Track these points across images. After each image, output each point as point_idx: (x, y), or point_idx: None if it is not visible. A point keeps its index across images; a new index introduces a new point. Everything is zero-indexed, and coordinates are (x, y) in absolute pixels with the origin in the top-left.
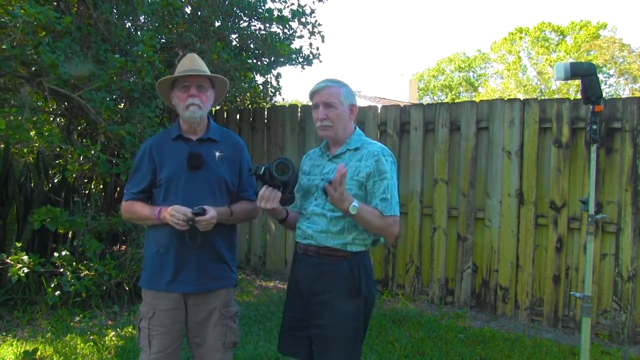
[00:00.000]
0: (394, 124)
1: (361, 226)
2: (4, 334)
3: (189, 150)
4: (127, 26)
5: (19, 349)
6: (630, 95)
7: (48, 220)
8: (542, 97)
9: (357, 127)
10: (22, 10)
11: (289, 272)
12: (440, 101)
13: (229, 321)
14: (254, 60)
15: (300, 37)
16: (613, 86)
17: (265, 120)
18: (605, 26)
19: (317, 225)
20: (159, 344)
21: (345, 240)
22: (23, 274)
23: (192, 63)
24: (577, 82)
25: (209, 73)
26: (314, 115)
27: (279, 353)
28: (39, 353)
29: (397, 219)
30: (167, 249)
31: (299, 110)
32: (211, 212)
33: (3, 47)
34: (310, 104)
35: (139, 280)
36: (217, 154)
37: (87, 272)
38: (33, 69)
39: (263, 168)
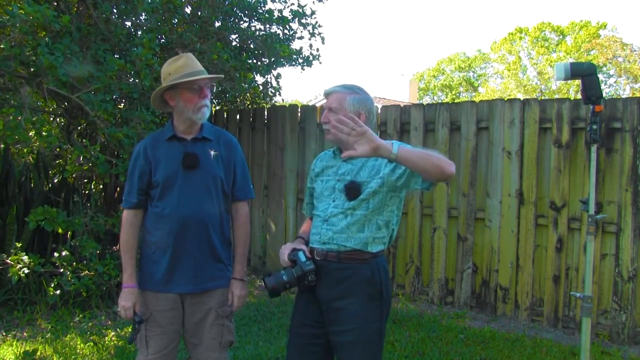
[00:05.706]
0: (394, 124)
1: (411, 166)
2: (4, 334)
3: (184, 150)
4: (127, 26)
5: (18, 349)
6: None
7: (44, 220)
8: (542, 97)
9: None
10: (20, 10)
11: None
12: (440, 101)
13: (225, 320)
14: (254, 61)
15: (301, 38)
16: (613, 86)
17: (265, 120)
18: (605, 26)
19: (337, 225)
20: (156, 344)
21: (365, 240)
22: (23, 274)
23: (195, 64)
24: (577, 82)
25: (212, 75)
26: None
27: (279, 353)
28: (38, 353)
29: None
30: (163, 250)
31: (299, 110)
32: (236, 301)
33: (2, 47)
34: (311, 104)
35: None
36: (212, 152)
37: (87, 271)
38: (32, 69)
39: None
